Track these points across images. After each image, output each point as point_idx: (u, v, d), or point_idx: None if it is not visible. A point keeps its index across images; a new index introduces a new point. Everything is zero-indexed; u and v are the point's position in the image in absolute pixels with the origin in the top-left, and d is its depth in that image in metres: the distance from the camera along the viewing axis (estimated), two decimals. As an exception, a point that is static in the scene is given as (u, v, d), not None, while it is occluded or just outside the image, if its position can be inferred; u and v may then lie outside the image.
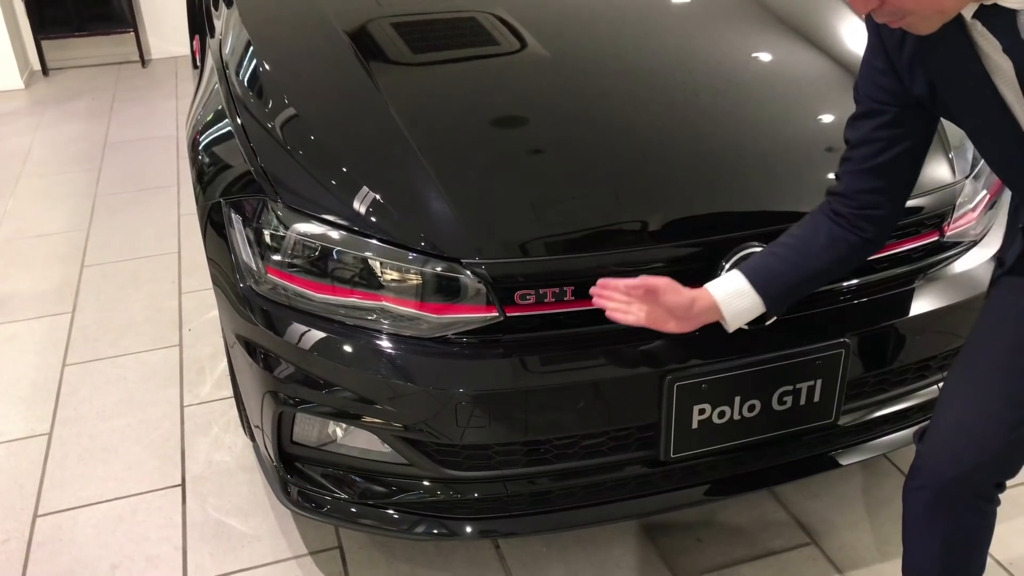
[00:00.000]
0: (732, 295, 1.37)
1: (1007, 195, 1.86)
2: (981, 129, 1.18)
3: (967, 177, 1.68)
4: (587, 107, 1.77)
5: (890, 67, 1.21)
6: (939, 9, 1.02)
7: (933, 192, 1.63)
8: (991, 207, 1.77)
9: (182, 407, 2.39)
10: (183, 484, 2.12)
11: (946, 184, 1.65)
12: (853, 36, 2.00)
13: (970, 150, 1.72)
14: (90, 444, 2.27)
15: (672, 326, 1.39)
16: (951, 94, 1.16)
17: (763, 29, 2.08)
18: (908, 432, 1.77)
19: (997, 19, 1.03)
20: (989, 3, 1.02)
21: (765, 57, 1.96)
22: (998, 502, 1.32)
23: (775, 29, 2.08)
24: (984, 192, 1.74)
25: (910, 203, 1.59)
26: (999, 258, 1.35)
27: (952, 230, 1.67)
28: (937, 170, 1.66)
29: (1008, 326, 1.27)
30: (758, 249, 1.49)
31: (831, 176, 1.63)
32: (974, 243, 1.74)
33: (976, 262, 1.71)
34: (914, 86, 1.19)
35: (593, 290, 1.42)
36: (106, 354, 2.63)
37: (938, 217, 1.65)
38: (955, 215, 1.66)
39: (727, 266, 1.49)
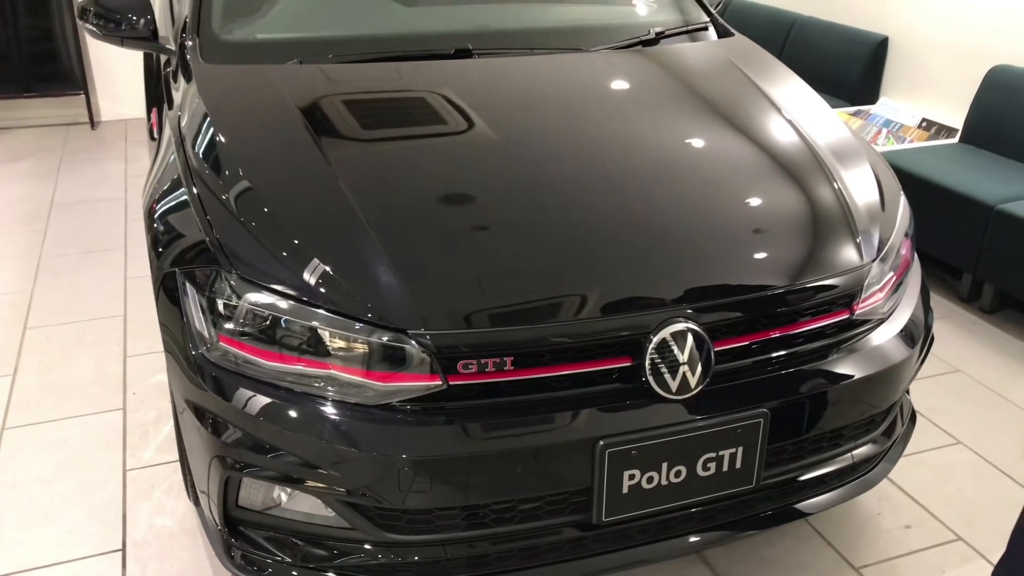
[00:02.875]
0: None
1: (915, 274, 2.02)
2: None
3: (874, 260, 1.83)
4: (530, 186, 1.89)
5: None
6: None
7: (843, 274, 1.77)
8: (897, 288, 1.92)
9: (125, 471, 2.40)
10: (123, 549, 2.13)
11: (855, 267, 1.79)
12: (782, 126, 2.17)
13: (876, 235, 1.87)
14: (29, 509, 2.26)
15: None
16: None
17: (697, 117, 2.24)
18: (829, 496, 1.89)
19: None
20: None
21: (698, 143, 2.11)
22: None
23: (708, 117, 2.24)
24: (891, 274, 1.89)
25: (822, 282, 1.75)
26: None
27: (861, 308, 1.81)
28: (847, 253, 1.81)
29: None
30: (687, 325, 1.60)
31: (758, 256, 1.77)
32: (882, 320, 1.88)
33: (884, 337, 1.85)
34: None
35: None
36: (48, 417, 2.63)
37: (848, 296, 1.79)
38: (864, 295, 1.81)
39: (655, 340, 1.60)
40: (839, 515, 2.26)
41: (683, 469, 1.65)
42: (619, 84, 2.35)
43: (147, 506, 2.26)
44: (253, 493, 1.69)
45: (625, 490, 1.63)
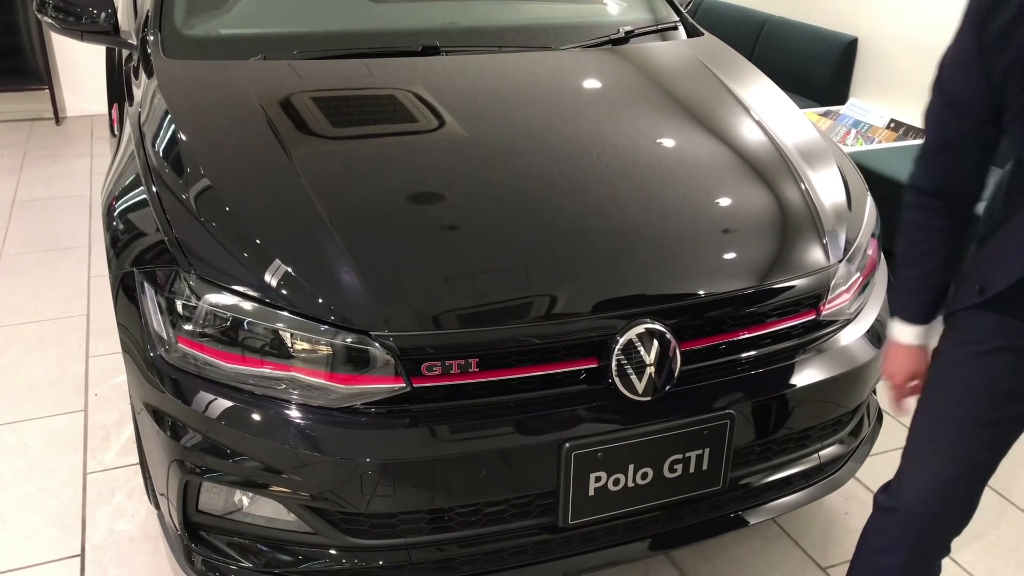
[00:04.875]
0: (921, 335, 1.52)
1: (881, 275, 2.03)
2: None
3: (840, 261, 1.83)
4: (497, 186, 1.87)
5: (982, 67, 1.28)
6: None
7: (810, 274, 1.77)
8: (863, 288, 1.93)
9: (85, 474, 2.35)
10: (83, 554, 2.08)
11: (821, 267, 1.79)
12: (750, 127, 2.17)
13: (842, 236, 1.88)
14: (-15, 513, 2.21)
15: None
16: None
17: (666, 117, 2.23)
18: (796, 497, 1.89)
19: None
20: None
21: (669, 143, 2.10)
22: (949, 551, 1.49)
23: (676, 117, 2.23)
24: (857, 274, 1.89)
25: (789, 283, 1.74)
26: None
27: (828, 309, 1.81)
28: (813, 254, 1.81)
29: (969, 385, 1.41)
30: (653, 326, 1.59)
31: (725, 256, 1.76)
32: (848, 321, 1.88)
33: (851, 338, 1.86)
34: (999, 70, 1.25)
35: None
36: (5, 420, 2.57)
37: (815, 297, 1.78)
38: (830, 295, 1.81)
39: (621, 341, 1.59)
40: (807, 515, 2.27)
41: (650, 471, 1.64)
42: (588, 83, 2.33)
43: (107, 510, 2.22)
44: (213, 497, 1.66)
45: (591, 492, 1.61)
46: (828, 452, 1.91)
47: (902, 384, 1.55)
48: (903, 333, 1.52)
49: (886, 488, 1.50)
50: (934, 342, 1.53)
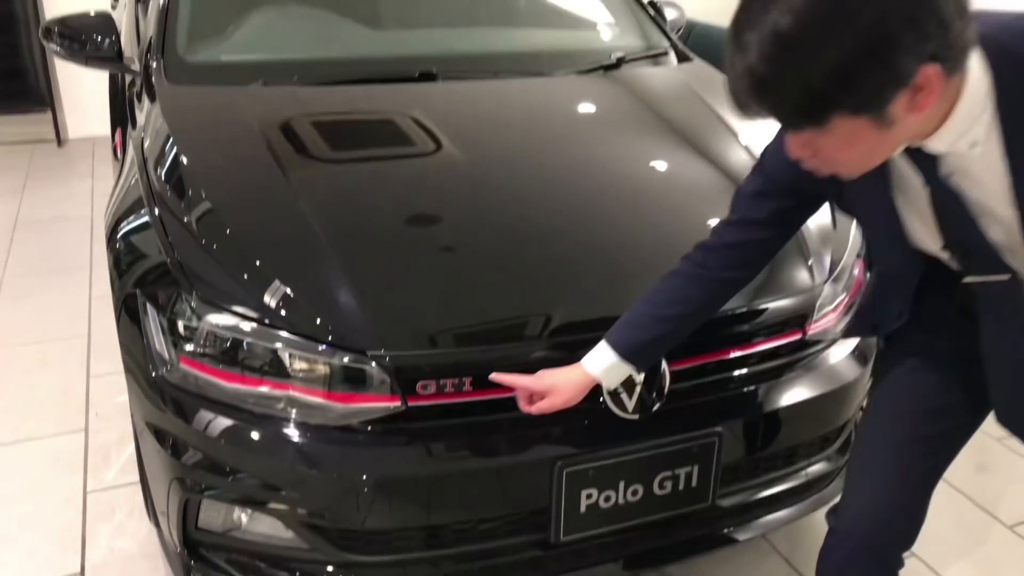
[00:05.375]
0: (607, 371, 1.53)
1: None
2: (872, 224, 1.37)
3: (826, 281, 1.88)
4: (491, 208, 1.91)
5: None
6: (865, 168, 1.14)
7: (795, 295, 1.82)
8: (850, 308, 1.97)
9: (85, 493, 2.38)
10: (82, 572, 2.11)
11: (807, 288, 1.84)
12: (737, 151, 2.22)
13: (827, 257, 1.92)
14: (-14, 532, 2.24)
15: (562, 404, 1.55)
16: (854, 190, 1.30)
17: (656, 142, 2.28)
18: (784, 513, 1.92)
19: (920, 156, 1.15)
20: (915, 147, 1.14)
21: (657, 167, 2.15)
22: (903, 564, 1.49)
23: (667, 142, 2.28)
24: (844, 294, 1.93)
25: (776, 304, 1.79)
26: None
27: (814, 329, 1.85)
28: (799, 275, 1.85)
29: (902, 403, 1.44)
30: None
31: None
32: (834, 340, 1.92)
33: (837, 358, 1.90)
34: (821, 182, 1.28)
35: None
36: (7, 440, 2.60)
37: (801, 317, 1.83)
38: (816, 315, 1.85)
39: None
40: (796, 531, 2.30)
41: (640, 488, 1.67)
42: (580, 108, 2.39)
43: (107, 528, 2.25)
44: (213, 515, 1.69)
45: (583, 509, 1.65)
46: (815, 469, 1.95)
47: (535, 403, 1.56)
48: (602, 360, 1.53)
49: (834, 510, 1.51)
50: (612, 383, 1.56)
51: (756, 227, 1.45)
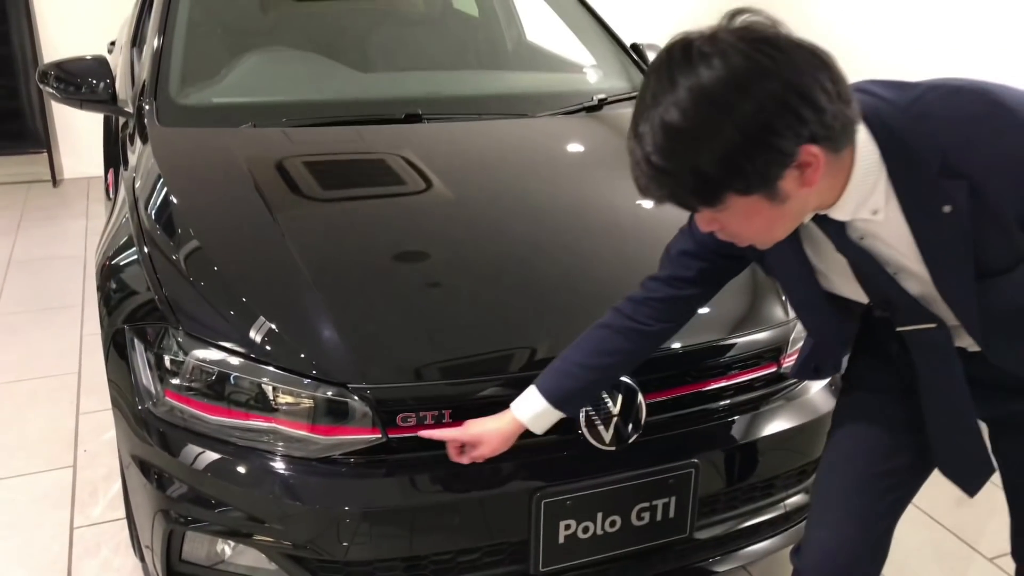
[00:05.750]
0: (536, 417, 1.57)
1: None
2: (791, 288, 1.43)
3: (799, 316, 1.92)
4: (472, 247, 1.96)
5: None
6: (773, 239, 1.21)
7: (769, 329, 1.86)
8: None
9: (71, 529, 2.39)
10: (68, 607, 2.12)
11: (780, 322, 1.88)
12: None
13: (801, 292, 1.97)
14: (-28, 568, 2.25)
15: (490, 453, 1.58)
16: (772, 257, 1.36)
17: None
18: (763, 545, 1.94)
19: (828, 224, 1.22)
20: (821, 215, 1.20)
21: (637, 205, 2.20)
22: None
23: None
24: (817, 328, 1.98)
25: (750, 338, 1.83)
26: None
27: (788, 362, 1.89)
28: (772, 310, 1.90)
29: (858, 441, 1.48)
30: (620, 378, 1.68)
31: (702, 311, 1.84)
32: (810, 373, 1.96)
33: (813, 390, 1.94)
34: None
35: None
36: (-4, 475, 2.62)
37: (775, 351, 1.87)
38: (790, 349, 1.89)
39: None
40: (776, 563, 2.31)
41: (618, 519, 1.70)
42: (563, 148, 2.45)
43: (93, 564, 2.26)
44: (197, 547, 1.71)
45: (561, 540, 1.67)
46: (793, 501, 1.97)
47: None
48: (532, 406, 1.56)
49: (796, 550, 1.52)
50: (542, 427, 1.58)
51: (684, 284, 1.51)
